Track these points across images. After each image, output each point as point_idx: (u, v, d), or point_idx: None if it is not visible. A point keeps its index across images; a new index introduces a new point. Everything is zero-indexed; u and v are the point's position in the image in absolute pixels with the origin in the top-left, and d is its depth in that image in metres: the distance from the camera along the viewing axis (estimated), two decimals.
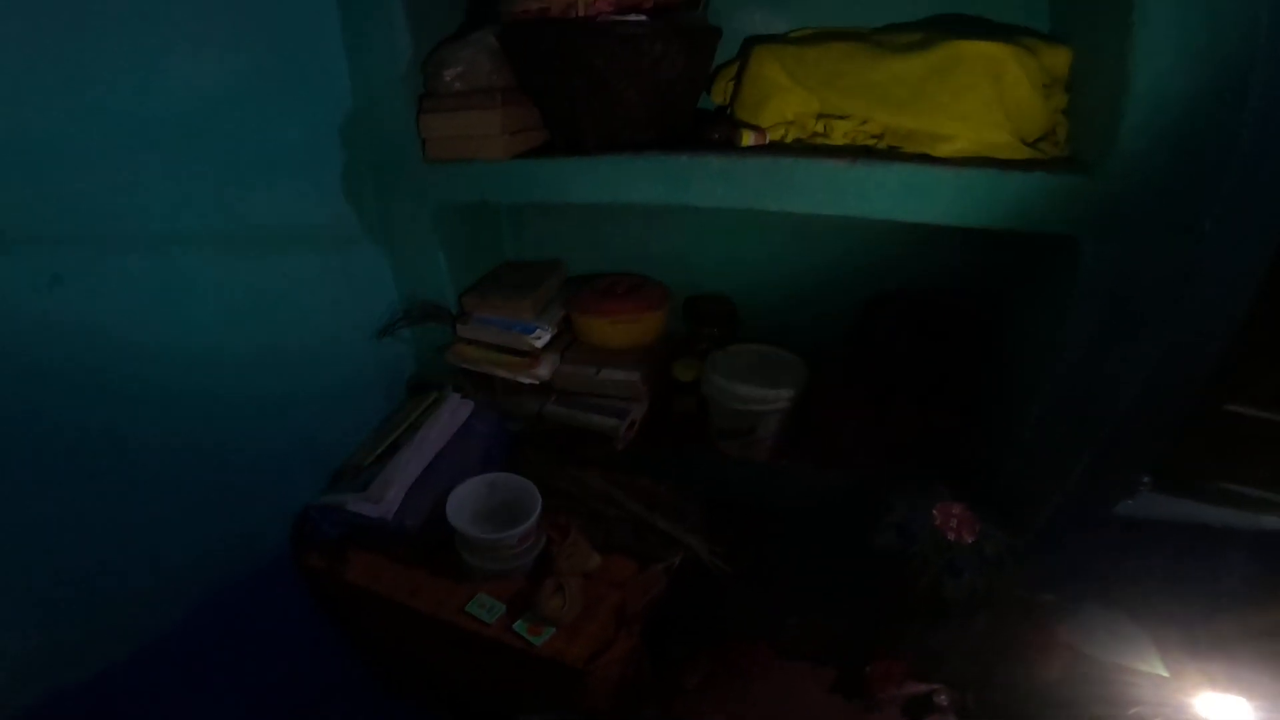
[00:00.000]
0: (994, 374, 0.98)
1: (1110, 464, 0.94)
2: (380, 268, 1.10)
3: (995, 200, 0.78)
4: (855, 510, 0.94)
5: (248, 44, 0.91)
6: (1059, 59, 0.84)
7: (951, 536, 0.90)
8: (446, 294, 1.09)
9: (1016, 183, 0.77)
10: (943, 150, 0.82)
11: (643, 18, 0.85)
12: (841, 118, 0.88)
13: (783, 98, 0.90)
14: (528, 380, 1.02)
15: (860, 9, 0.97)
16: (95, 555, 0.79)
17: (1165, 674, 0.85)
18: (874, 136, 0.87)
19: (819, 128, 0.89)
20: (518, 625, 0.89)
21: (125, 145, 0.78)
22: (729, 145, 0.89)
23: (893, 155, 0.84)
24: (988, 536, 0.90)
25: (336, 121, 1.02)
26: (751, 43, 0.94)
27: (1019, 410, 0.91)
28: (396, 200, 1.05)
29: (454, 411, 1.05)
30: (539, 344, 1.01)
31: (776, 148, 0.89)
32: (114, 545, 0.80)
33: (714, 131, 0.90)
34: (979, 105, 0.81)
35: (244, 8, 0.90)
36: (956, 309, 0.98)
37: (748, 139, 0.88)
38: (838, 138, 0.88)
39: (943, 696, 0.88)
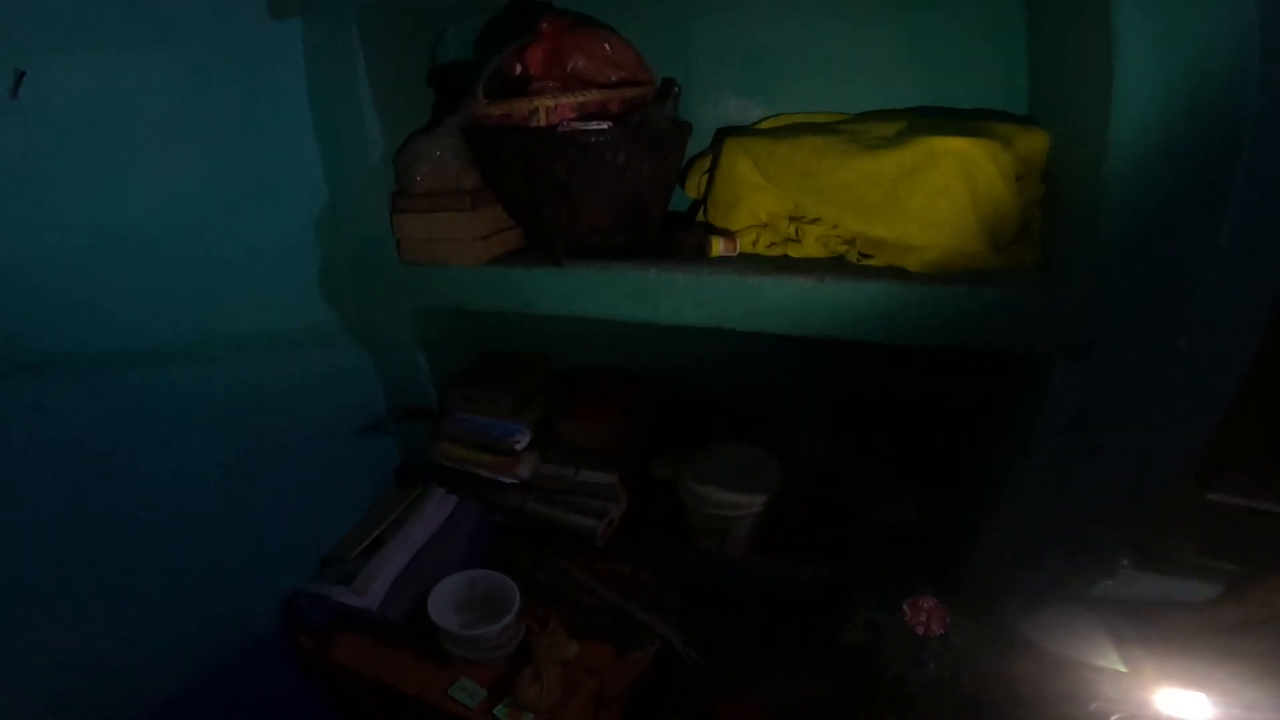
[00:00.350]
0: (967, 470, 0.98)
1: (1086, 552, 0.94)
2: (363, 366, 1.12)
3: (964, 320, 0.77)
4: (828, 605, 0.95)
5: (223, 146, 0.92)
6: (1035, 144, 0.81)
7: (921, 631, 0.91)
8: (428, 392, 1.10)
9: (987, 300, 0.75)
10: (913, 262, 0.81)
11: (606, 125, 0.83)
12: (814, 221, 0.86)
13: (755, 197, 0.88)
14: (509, 480, 1.04)
15: (835, 96, 0.94)
16: (89, 634, 0.83)
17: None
18: (846, 242, 0.86)
19: (791, 231, 0.87)
20: (498, 710, 0.94)
21: (104, 260, 0.79)
22: (700, 253, 0.88)
23: (863, 269, 0.83)
24: (958, 626, 0.91)
25: (313, 220, 1.02)
26: (725, 134, 0.92)
27: (989, 509, 0.91)
28: (374, 301, 1.05)
29: (438, 506, 1.08)
30: (519, 446, 1.02)
31: (746, 260, 0.88)
32: (109, 625, 0.84)
33: (685, 239, 0.89)
34: (951, 210, 0.79)
35: (218, 110, 0.91)
36: (933, 407, 0.98)
37: (717, 248, 0.87)
38: (810, 242, 0.86)
39: None
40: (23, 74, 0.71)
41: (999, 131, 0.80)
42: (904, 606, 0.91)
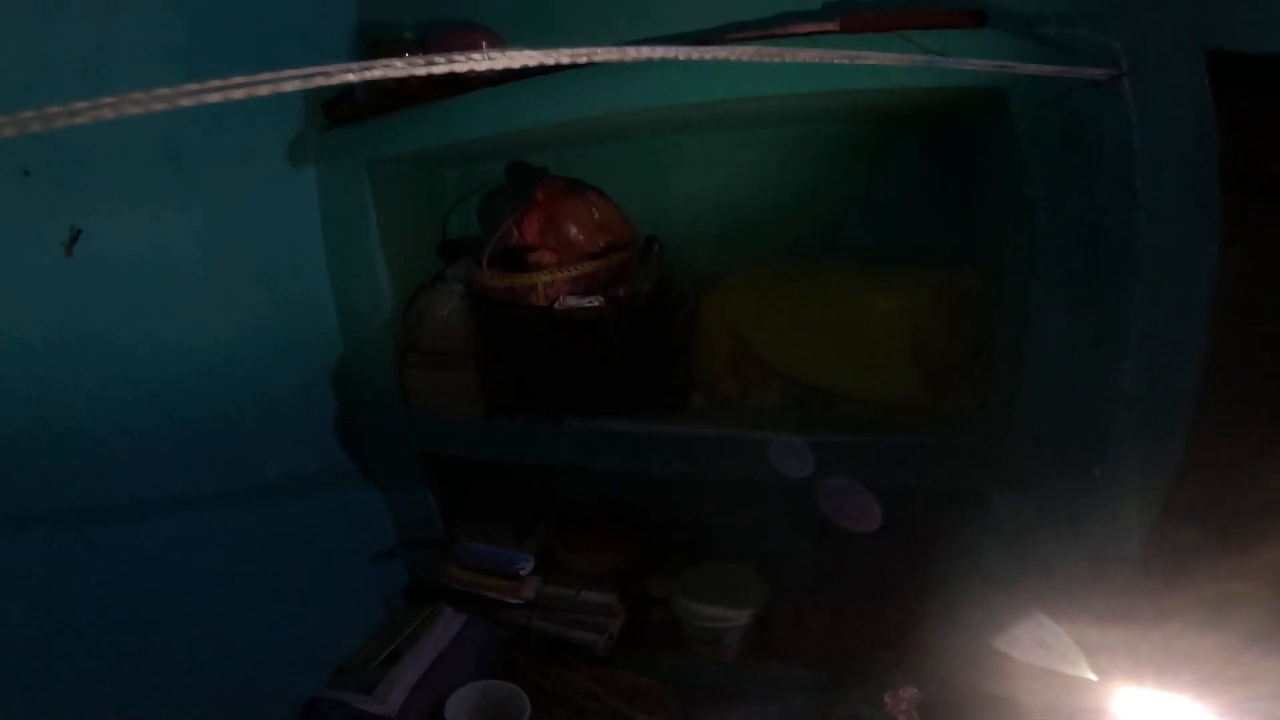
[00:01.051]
0: (939, 577, 1.09)
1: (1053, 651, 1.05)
2: (374, 503, 1.21)
3: (911, 464, 0.90)
4: (816, 702, 1.05)
5: (249, 297, 1.01)
6: (969, 287, 0.93)
7: (903, 719, 1.01)
8: (436, 524, 1.19)
9: (930, 447, 0.88)
10: (866, 410, 0.92)
11: (597, 301, 0.94)
12: (781, 374, 0.97)
13: (729, 350, 1.00)
14: (514, 600, 1.12)
15: (793, 242, 1.06)
16: None
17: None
18: (809, 391, 0.97)
19: (761, 383, 0.99)
20: None
21: (146, 407, 0.86)
22: (684, 406, 0.98)
23: (821, 420, 0.95)
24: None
25: (329, 368, 1.11)
26: (701, 288, 1.04)
27: (953, 606, 1.01)
28: (385, 445, 1.14)
29: (448, 623, 1.15)
30: (524, 572, 1.11)
31: (725, 410, 1.00)
32: None
33: (672, 392, 0.99)
34: (893, 361, 0.91)
35: (245, 261, 1.00)
36: (900, 525, 1.08)
37: (698, 402, 0.97)
38: (775, 392, 0.98)
39: None
40: (79, 232, 0.77)
41: (938, 278, 0.93)
42: (885, 698, 1.01)
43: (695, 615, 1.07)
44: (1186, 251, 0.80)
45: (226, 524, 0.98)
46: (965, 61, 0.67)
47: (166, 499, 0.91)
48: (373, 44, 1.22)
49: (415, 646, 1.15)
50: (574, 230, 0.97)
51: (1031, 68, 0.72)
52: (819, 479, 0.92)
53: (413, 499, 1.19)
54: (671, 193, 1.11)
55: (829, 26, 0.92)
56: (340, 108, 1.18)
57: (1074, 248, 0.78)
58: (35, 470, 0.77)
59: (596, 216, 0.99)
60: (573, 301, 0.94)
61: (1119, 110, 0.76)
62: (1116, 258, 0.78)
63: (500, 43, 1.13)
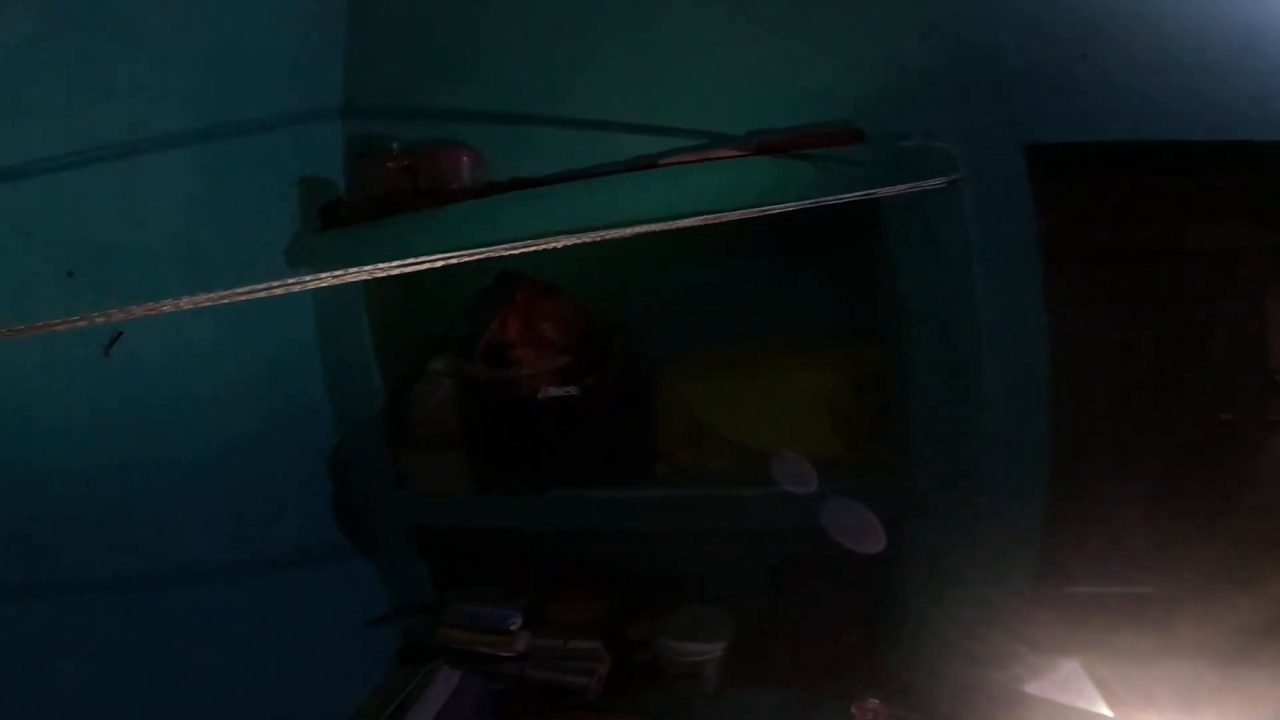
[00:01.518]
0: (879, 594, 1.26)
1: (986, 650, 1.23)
2: (370, 575, 1.32)
3: None
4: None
5: (254, 394, 1.12)
6: (874, 359, 1.13)
7: None
8: (429, 592, 1.31)
9: (850, 491, 1.06)
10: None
11: (574, 390, 1.09)
12: (729, 440, 1.15)
13: (688, 422, 1.17)
14: (506, 654, 1.24)
15: (733, 326, 1.26)
16: None
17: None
18: (756, 454, 1.14)
19: (714, 449, 1.17)
20: None
21: (174, 492, 0.97)
22: (650, 473, 1.14)
23: (764, 477, 1.11)
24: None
25: (325, 456, 1.22)
26: (663, 370, 1.21)
27: (899, 623, 1.19)
28: (381, 521, 1.26)
29: (446, 679, 1.26)
30: (514, 628, 1.23)
31: (683, 476, 1.17)
32: None
33: (640, 461, 1.15)
34: (820, 425, 1.11)
35: (252, 360, 1.11)
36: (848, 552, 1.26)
37: (662, 469, 1.14)
38: (726, 457, 1.16)
39: None
40: (120, 334, 0.86)
41: (848, 354, 1.13)
42: (853, 710, 1.17)
43: (676, 652, 1.21)
44: (1021, 319, 1.04)
45: (241, 594, 1.08)
46: (835, 198, 0.88)
47: (192, 570, 1.01)
48: (362, 153, 1.36)
49: (419, 702, 1.24)
50: (549, 326, 1.13)
51: (886, 190, 0.93)
52: (766, 524, 1.09)
53: (408, 568, 1.30)
54: (631, 288, 1.29)
55: (748, 150, 1.13)
56: (334, 212, 1.32)
57: (935, 326, 1.01)
58: (81, 542, 0.86)
59: (568, 315, 1.15)
60: (553, 391, 1.09)
61: (958, 208, 0.99)
62: (966, 331, 1.01)
63: (481, 159, 1.29)
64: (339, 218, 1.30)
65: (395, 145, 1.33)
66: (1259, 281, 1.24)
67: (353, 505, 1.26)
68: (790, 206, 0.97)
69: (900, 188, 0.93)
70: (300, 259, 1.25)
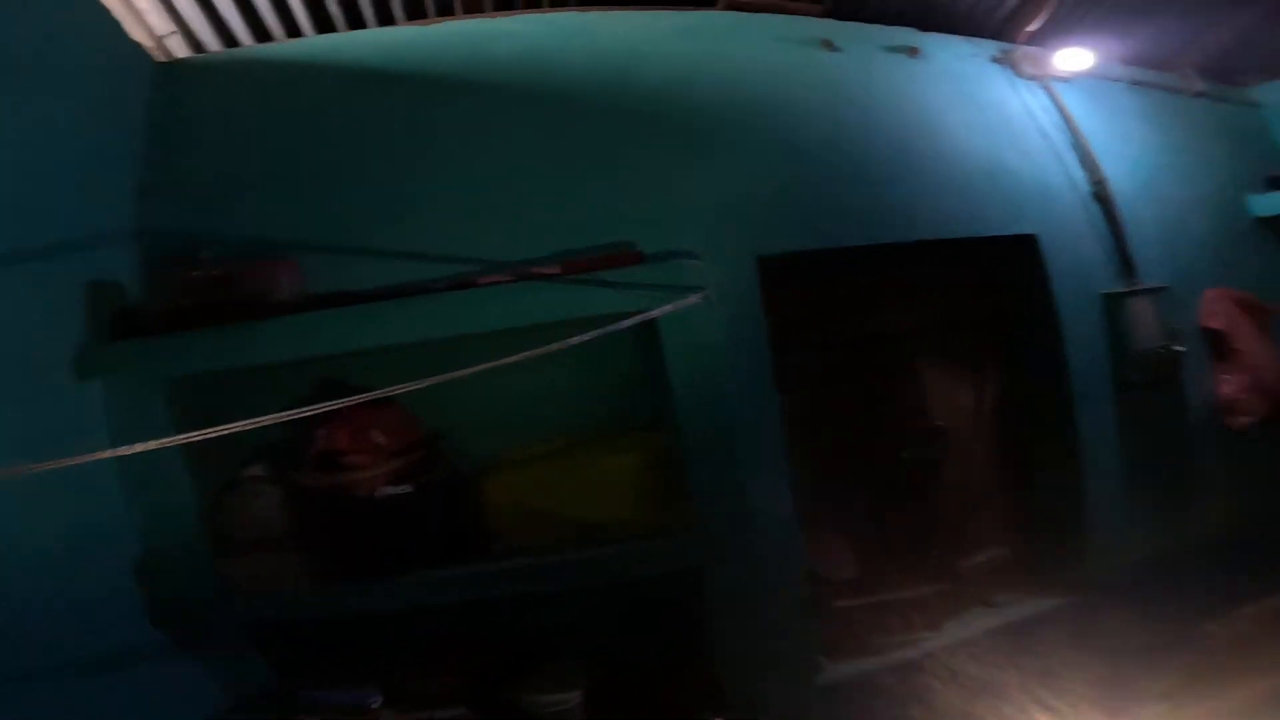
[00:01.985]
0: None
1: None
2: (200, 674, 1.27)
3: (647, 560, 1.33)
4: None
5: (49, 512, 1.04)
6: (671, 443, 1.40)
7: None
8: (270, 684, 1.30)
9: (656, 548, 1.33)
10: (611, 534, 1.35)
11: (408, 489, 1.21)
12: (552, 516, 1.35)
13: (513, 504, 1.35)
14: None
15: (546, 424, 1.44)
16: None
17: None
18: (576, 524, 1.36)
19: (540, 524, 1.36)
20: None
21: None
22: (486, 551, 1.30)
23: (584, 545, 1.35)
24: None
25: (129, 568, 1.18)
26: (486, 468, 1.37)
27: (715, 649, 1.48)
28: (200, 626, 1.24)
29: None
30: (375, 706, 1.30)
31: (515, 549, 1.35)
32: None
33: (475, 542, 1.31)
34: (627, 499, 1.36)
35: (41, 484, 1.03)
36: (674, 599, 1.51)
37: (496, 546, 1.31)
38: (551, 529, 1.36)
39: None
40: None
41: (648, 440, 1.40)
42: None
43: (540, 705, 1.34)
44: (760, 402, 1.39)
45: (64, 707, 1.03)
46: (617, 325, 1.13)
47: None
48: (171, 260, 1.32)
49: None
50: (379, 435, 1.23)
51: (655, 311, 1.22)
52: (597, 583, 1.32)
53: (243, 665, 1.28)
54: (449, 393, 1.29)
55: (555, 270, 1.32)
56: (130, 321, 1.25)
57: (700, 413, 1.33)
58: None
59: (396, 420, 1.26)
60: (390, 490, 1.19)
61: (710, 317, 1.30)
62: (721, 414, 1.34)
63: (301, 274, 1.31)
64: (136, 327, 1.25)
65: (204, 253, 1.30)
66: (927, 355, 1.76)
67: (171, 611, 1.21)
68: (576, 340, 1.17)
69: (667, 307, 1.20)
70: (90, 370, 1.20)
